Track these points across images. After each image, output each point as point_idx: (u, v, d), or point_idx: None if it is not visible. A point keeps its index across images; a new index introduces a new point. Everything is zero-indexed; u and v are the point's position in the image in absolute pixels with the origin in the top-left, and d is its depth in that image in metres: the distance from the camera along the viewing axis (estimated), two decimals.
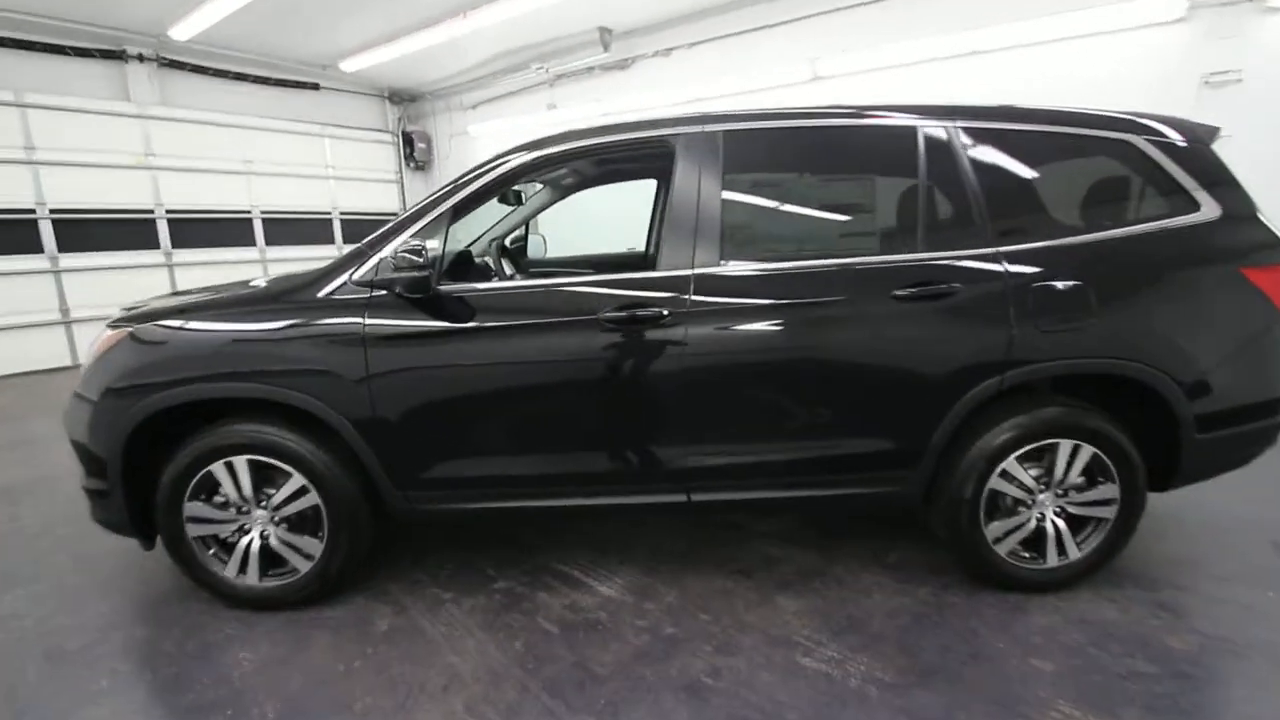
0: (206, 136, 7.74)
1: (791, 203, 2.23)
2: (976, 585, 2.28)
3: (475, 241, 3.48)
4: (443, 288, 2.08)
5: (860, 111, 2.18)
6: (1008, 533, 2.18)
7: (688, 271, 2.06)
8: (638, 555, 2.59)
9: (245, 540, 2.18)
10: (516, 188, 3.40)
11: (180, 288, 7.58)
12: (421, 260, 1.91)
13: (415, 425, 2.10)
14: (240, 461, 2.12)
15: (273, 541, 2.18)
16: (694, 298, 2.03)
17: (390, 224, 2.15)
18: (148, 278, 7.37)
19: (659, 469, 2.14)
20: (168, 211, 7.54)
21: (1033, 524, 2.18)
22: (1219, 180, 2.15)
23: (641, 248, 3.85)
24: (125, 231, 7.23)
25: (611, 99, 7.23)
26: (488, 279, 2.85)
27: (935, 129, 2.14)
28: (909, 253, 2.09)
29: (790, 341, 2.05)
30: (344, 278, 2.10)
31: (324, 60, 7.84)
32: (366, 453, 2.10)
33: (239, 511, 2.17)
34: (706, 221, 2.08)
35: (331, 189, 9.01)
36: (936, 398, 2.07)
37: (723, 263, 2.06)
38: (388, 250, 2.08)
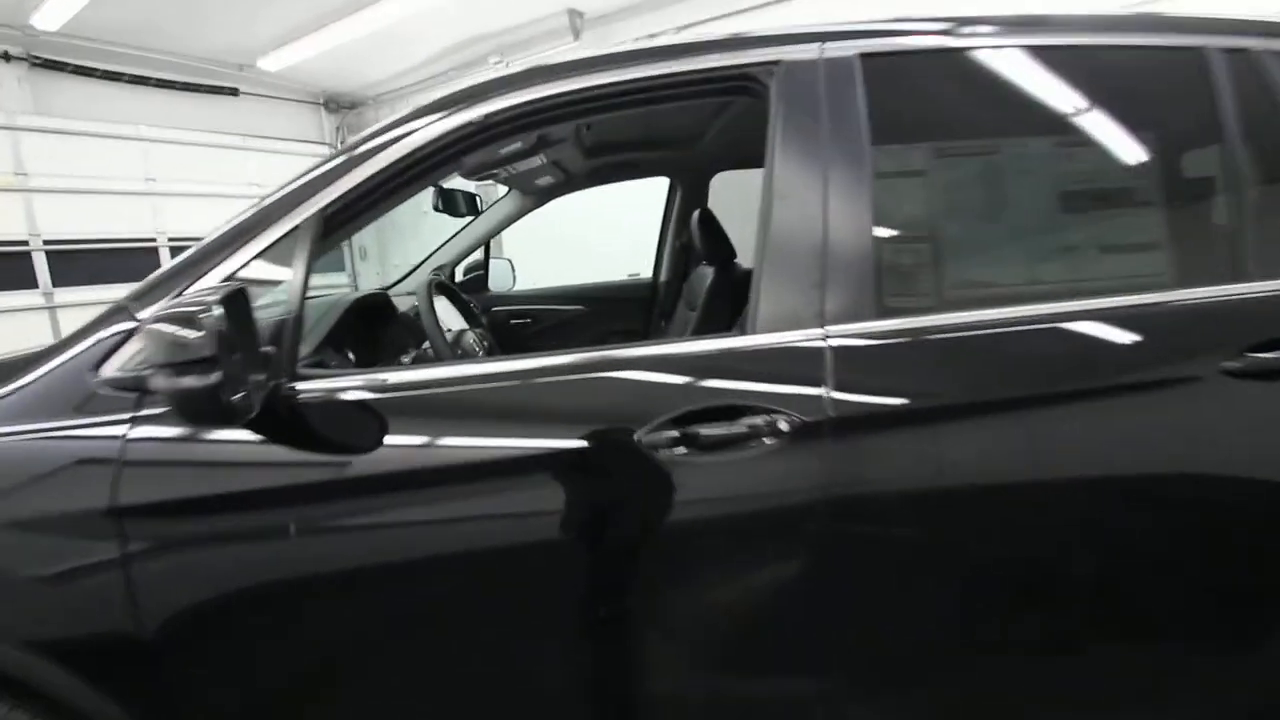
0: (96, 151, 6.45)
1: (1004, 193, 1.18)
2: None
3: (410, 275, 2.37)
4: (300, 387, 0.98)
5: (1109, 23, 1.16)
6: None
7: (817, 337, 1.00)
8: None
9: None
10: (472, 189, 2.31)
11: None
12: (210, 349, 0.78)
13: (237, 666, 0.99)
14: None
15: None
16: (835, 395, 0.97)
17: (184, 254, 1.04)
18: (20, 324, 6.01)
19: None
20: (46, 242, 6.20)
21: None
22: None
23: (647, 273, 2.78)
24: None
25: None
26: (418, 342, 1.71)
27: (1241, 53, 1.14)
28: (1228, 281, 1.08)
29: (1039, 467, 1.00)
30: (59, 369, 0.98)
31: (239, 58, 6.64)
32: None
33: None
34: (845, 235, 1.02)
35: None
36: None
37: (885, 317, 1.01)
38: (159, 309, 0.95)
